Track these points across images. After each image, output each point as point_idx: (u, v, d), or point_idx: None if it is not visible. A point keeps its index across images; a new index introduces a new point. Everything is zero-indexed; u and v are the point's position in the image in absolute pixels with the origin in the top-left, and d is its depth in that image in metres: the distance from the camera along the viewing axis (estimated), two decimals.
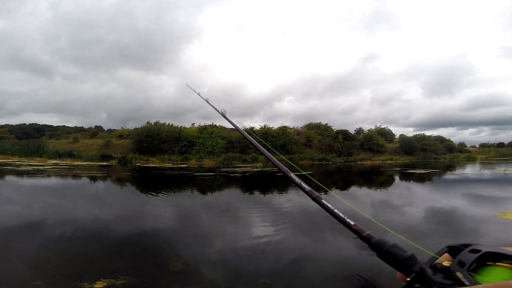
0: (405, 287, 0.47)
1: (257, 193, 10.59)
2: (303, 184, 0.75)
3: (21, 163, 21.34)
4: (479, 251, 0.45)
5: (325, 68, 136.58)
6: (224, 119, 1.49)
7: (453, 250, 0.50)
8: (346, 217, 0.61)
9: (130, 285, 3.21)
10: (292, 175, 0.81)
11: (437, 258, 0.49)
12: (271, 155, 0.99)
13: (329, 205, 0.65)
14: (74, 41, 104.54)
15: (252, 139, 1.16)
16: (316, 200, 0.69)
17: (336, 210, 0.63)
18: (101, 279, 3.25)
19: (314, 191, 0.71)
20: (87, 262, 3.85)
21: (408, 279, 0.47)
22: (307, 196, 0.73)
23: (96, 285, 3.13)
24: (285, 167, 0.87)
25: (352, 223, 0.60)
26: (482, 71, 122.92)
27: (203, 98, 1.92)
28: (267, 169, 21.12)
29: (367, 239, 0.56)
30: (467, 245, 0.49)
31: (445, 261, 0.48)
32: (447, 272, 0.44)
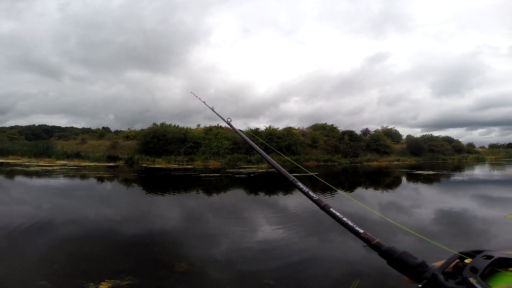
0: None
1: (262, 194, 10.57)
2: (311, 193, 0.75)
3: (30, 163, 21.71)
4: (491, 257, 0.46)
5: (331, 68, 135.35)
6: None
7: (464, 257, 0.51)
8: (355, 225, 0.62)
9: (135, 285, 3.21)
10: (300, 184, 0.81)
11: (448, 265, 0.49)
12: (276, 163, 0.99)
13: (337, 214, 0.66)
14: (83, 42, 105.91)
15: (256, 146, 1.19)
16: (324, 208, 0.69)
17: (344, 219, 0.64)
18: (106, 280, 3.26)
19: (322, 199, 0.72)
20: (93, 262, 3.87)
21: (420, 286, 0.47)
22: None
23: (101, 286, 3.14)
24: (292, 176, 0.88)
25: (361, 231, 0.60)
26: (492, 71, 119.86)
27: (209, 107, 1.96)
28: (272, 170, 21.06)
29: (376, 247, 0.57)
30: (479, 252, 0.49)
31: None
32: (460, 278, 0.45)
